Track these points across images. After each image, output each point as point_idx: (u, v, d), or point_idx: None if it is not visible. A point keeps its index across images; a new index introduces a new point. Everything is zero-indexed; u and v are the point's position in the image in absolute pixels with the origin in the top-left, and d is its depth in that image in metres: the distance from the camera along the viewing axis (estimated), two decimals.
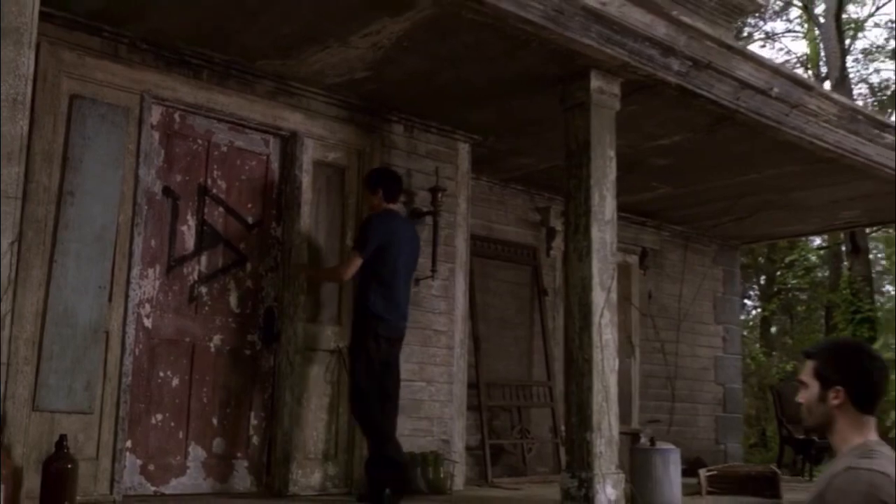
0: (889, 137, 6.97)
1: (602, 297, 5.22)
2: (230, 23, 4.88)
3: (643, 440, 6.11)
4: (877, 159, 7.03)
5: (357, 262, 5.21)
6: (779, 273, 20.41)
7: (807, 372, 2.45)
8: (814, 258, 21.85)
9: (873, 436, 2.36)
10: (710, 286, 10.28)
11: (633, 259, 9.44)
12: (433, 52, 5.19)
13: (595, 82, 5.30)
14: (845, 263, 19.49)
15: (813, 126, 6.42)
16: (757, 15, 21.22)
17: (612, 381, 5.23)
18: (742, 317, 23.17)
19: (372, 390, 5.12)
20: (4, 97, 3.11)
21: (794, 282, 20.48)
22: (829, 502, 2.20)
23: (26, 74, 3.18)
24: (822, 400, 2.37)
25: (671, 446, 5.73)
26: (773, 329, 24.37)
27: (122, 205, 4.97)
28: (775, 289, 21.73)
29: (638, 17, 5.03)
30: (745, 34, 21.54)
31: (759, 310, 23.07)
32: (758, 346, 20.82)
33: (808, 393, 2.42)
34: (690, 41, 5.35)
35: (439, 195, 6.35)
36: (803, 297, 22.98)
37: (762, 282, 22.61)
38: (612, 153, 5.40)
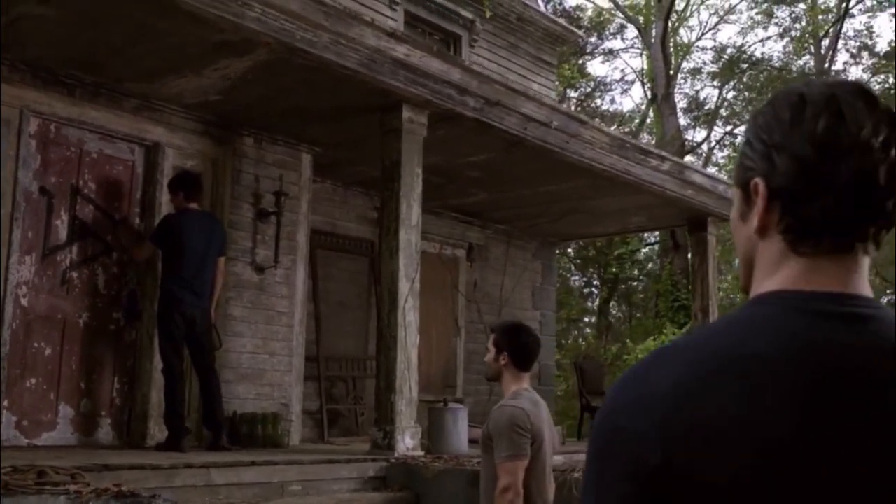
0: (653, 161, 8.40)
1: (406, 287, 6.34)
2: (99, 54, 5.71)
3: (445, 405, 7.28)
4: (645, 178, 8.46)
5: (147, 248, 6.20)
6: (610, 266, 22.25)
7: (490, 342, 3.62)
8: (644, 251, 23.94)
9: (525, 384, 3.54)
10: (530, 277, 11.63)
11: (461, 253, 10.67)
12: (273, 84, 6.17)
13: (406, 113, 6.39)
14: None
15: (590, 151, 7.75)
16: (596, 34, 23.00)
17: (413, 354, 6.35)
18: (588, 304, 25.23)
19: (174, 360, 6.00)
20: None
21: (615, 271, 22.31)
22: (490, 430, 3.37)
23: None
24: (496, 361, 3.54)
25: (460, 406, 6.93)
26: (613, 313, 26.46)
27: (2, 201, 5.72)
28: (609, 278, 23.64)
29: (436, 66, 6.16)
30: (589, 51, 23.30)
31: (600, 295, 25.02)
32: (591, 331, 22.73)
33: (489, 356, 3.58)
34: (482, 84, 6.53)
35: (282, 199, 7.32)
36: (641, 286, 25.13)
37: (600, 273, 24.51)
38: (419, 171, 6.51)
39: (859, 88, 0.92)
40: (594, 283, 25.10)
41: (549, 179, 8.58)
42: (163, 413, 6.08)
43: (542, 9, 12.64)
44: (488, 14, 9.91)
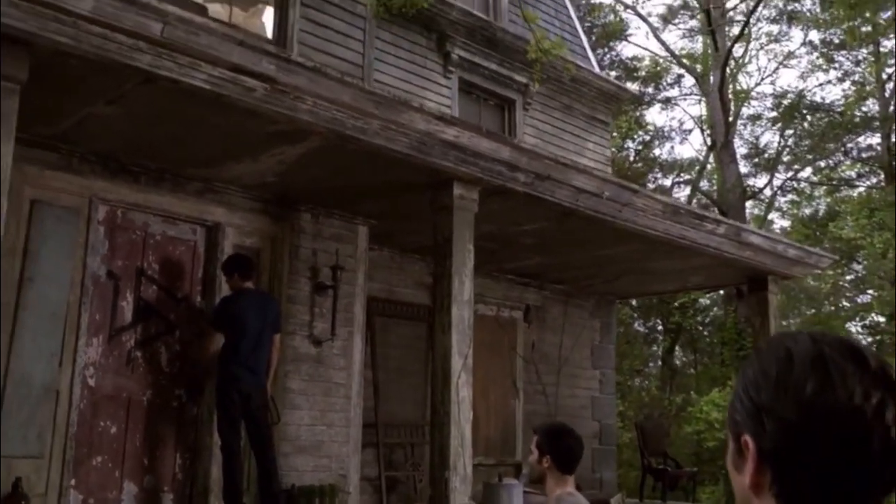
0: (709, 225, 8.25)
1: (459, 363, 6.30)
2: (162, 144, 5.90)
3: (503, 480, 7.19)
4: (701, 241, 8.31)
5: (212, 336, 6.20)
6: (672, 315, 21.83)
7: (533, 444, 3.56)
8: (706, 301, 23.44)
9: (569, 488, 3.47)
10: (589, 336, 11.48)
11: (519, 314, 10.60)
12: (327, 167, 6.28)
13: (457, 191, 6.41)
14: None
15: (643, 218, 7.65)
16: (653, 85, 22.88)
17: (467, 430, 6.29)
18: (652, 349, 24.77)
19: (232, 437, 6.05)
20: None
21: (678, 320, 21.89)
22: None
23: (2, 211, 4.15)
24: (539, 463, 3.48)
25: (515, 482, 6.82)
26: (678, 360, 25.92)
27: (73, 287, 5.92)
28: (671, 327, 23.19)
29: (486, 145, 6.19)
30: (646, 101, 23.17)
31: (662, 344, 24.56)
32: (654, 381, 22.26)
33: (532, 458, 3.53)
34: (532, 160, 6.53)
35: (339, 273, 7.40)
36: (706, 333, 24.60)
37: (664, 322, 24.09)
38: (470, 247, 6.51)
39: (849, 347, 0.88)
40: (658, 328, 24.68)
41: (603, 244, 8.50)
42: (222, 489, 6.12)
43: (596, 69, 12.64)
44: (537, 86, 9.95)
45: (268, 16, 7.73)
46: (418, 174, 6.32)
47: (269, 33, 7.70)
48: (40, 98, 4.87)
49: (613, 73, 23.06)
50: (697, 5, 21.70)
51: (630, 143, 23.09)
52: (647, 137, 23.78)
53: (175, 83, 4.70)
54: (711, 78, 21.70)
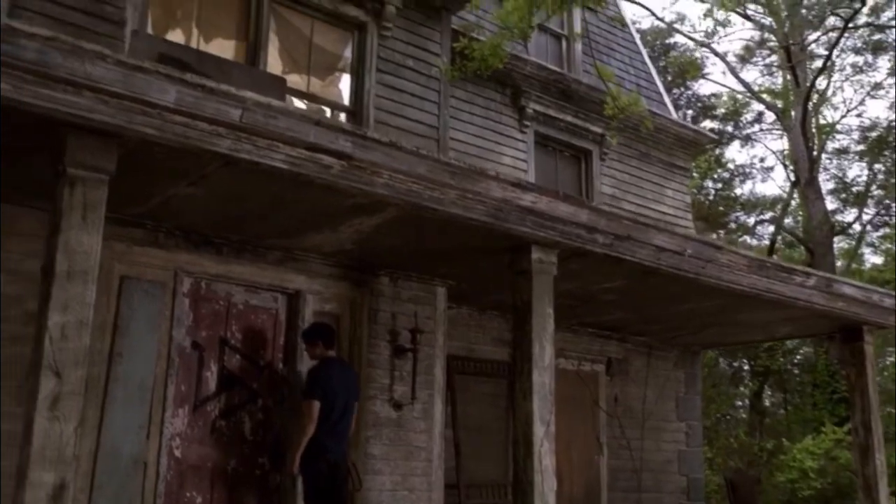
0: (798, 278, 7.92)
1: (542, 430, 6.14)
2: (244, 219, 5.99)
3: None
4: (790, 294, 7.96)
5: (315, 407, 6.15)
6: (760, 357, 21.06)
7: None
8: (794, 341, 22.54)
9: None
10: (673, 388, 11.13)
11: (600, 368, 10.36)
12: (404, 235, 6.27)
13: (535, 254, 6.30)
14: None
15: (728, 274, 7.39)
16: (733, 123, 22.39)
17: (551, 499, 6.10)
18: (737, 396, 23.92)
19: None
20: (73, 319, 4.16)
21: (766, 363, 21.12)
22: None
23: (90, 303, 4.23)
24: None
25: None
26: (767, 402, 24.96)
27: (159, 359, 6.02)
28: (759, 369, 22.38)
29: (563, 209, 6.08)
30: (725, 140, 22.67)
31: (750, 387, 23.71)
32: (742, 426, 21.42)
33: None
34: (610, 222, 6.38)
35: (418, 336, 7.35)
36: (796, 373, 23.66)
37: (751, 364, 23.29)
38: (550, 311, 6.37)
39: None
40: (744, 367, 23.84)
41: (686, 300, 8.24)
42: None
43: (673, 114, 12.42)
44: (614, 142, 9.81)
45: (344, 83, 7.84)
46: (496, 239, 6.24)
47: (346, 99, 7.78)
48: (127, 182, 4.98)
49: (690, 112, 22.69)
50: (776, 41, 21.22)
51: (709, 183, 22.59)
52: (727, 176, 23.21)
53: (254, 165, 4.76)
54: (793, 113, 21.12)
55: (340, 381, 6.30)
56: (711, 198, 22.38)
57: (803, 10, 19.38)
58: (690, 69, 17.14)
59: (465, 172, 5.57)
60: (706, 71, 22.36)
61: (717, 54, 22.38)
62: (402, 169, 5.25)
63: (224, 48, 7.11)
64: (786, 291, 7.94)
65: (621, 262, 6.77)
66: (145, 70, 4.22)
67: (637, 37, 12.89)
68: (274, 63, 7.31)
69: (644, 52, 12.68)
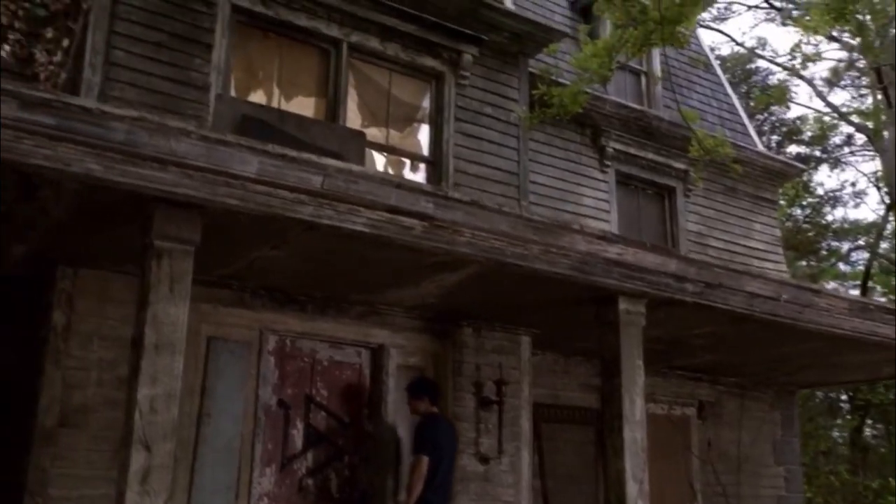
0: None
1: (635, 490, 5.88)
2: (327, 277, 5.97)
3: None
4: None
5: (425, 463, 6.03)
6: (860, 391, 20.04)
7: None
8: None
9: None
10: (769, 430, 10.62)
11: (691, 411, 9.96)
12: (487, 289, 6.15)
13: (622, 305, 6.09)
14: None
15: (827, 318, 7.00)
16: (820, 148, 21.61)
17: None
18: (835, 427, 22.78)
19: None
20: (162, 391, 4.17)
21: (867, 396, 20.08)
22: None
23: (178, 375, 4.24)
24: None
25: None
26: (869, 437, 23.73)
27: (246, 419, 6.02)
28: (859, 403, 21.30)
29: (651, 260, 5.86)
30: (812, 165, 21.88)
31: (850, 423, 22.60)
32: (840, 464, 20.35)
33: None
34: (700, 270, 6.13)
35: (503, 387, 7.19)
36: None
37: (850, 398, 22.21)
38: (640, 363, 6.14)
39: None
40: (841, 399, 22.74)
41: (782, 344, 7.85)
42: None
43: (759, 145, 12.01)
44: (700, 184, 9.52)
45: (423, 133, 7.82)
46: (581, 291, 6.06)
47: (425, 150, 7.76)
48: (212, 248, 5.01)
49: (774, 138, 22.02)
50: (864, 62, 20.46)
51: (797, 210, 21.81)
52: (817, 202, 22.37)
53: (336, 229, 4.72)
54: (885, 134, 20.24)
55: (447, 438, 6.24)
56: (801, 225, 21.58)
57: (893, 30, 18.62)
58: (777, 96, 16.61)
59: (549, 227, 5.43)
60: (791, 94, 21.70)
61: (802, 78, 21.71)
62: (484, 227, 5.14)
63: (304, 106, 7.18)
64: (891, 333, 7.49)
65: (712, 310, 6.49)
66: (228, 143, 4.24)
67: (718, 67, 12.56)
68: (353, 117, 7.35)
69: (726, 82, 12.33)
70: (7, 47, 6.07)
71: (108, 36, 6.11)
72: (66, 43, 6.13)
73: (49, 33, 6.12)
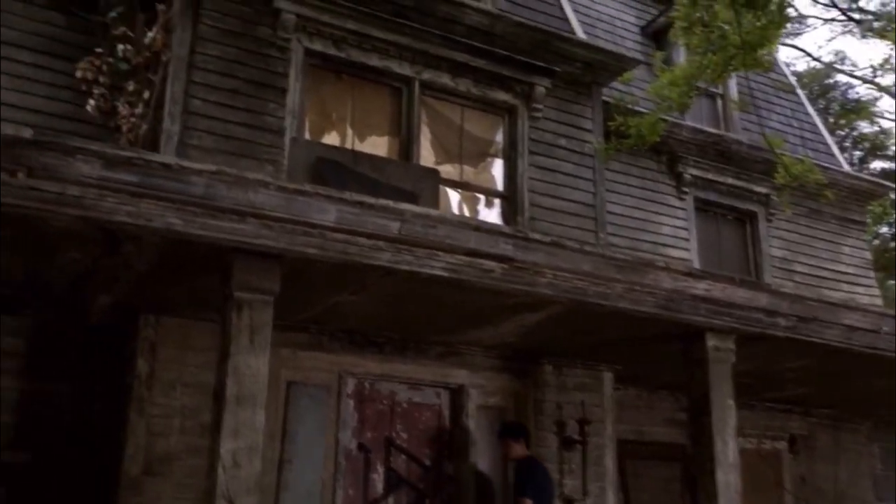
0: None
1: None
2: (405, 319, 5.88)
3: None
4: None
5: None
6: None
7: None
8: None
9: None
10: (868, 464, 10.07)
11: (782, 445, 9.51)
12: (568, 328, 5.97)
13: (710, 342, 5.82)
14: None
15: None
16: None
17: None
18: None
19: None
20: (244, 444, 4.11)
21: None
22: None
23: (259, 428, 4.18)
24: None
25: None
26: None
27: (326, 464, 5.95)
28: None
29: (741, 294, 5.60)
30: None
31: None
32: None
33: None
34: (793, 304, 5.83)
35: (586, 427, 6.96)
36: None
37: None
38: (731, 402, 5.85)
39: None
40: None
41: (882, 375, 7.42)
42: None
43: (845, 165, 11.54)
44: (788, 212, 9.14)
45: (497, 168, 7.70)
46: (666, 328, 5.82)
47: (500, 185, 7.63)
48: (290, 295, 4.98)
49: (857, 153, 21.23)
50: None
51: (884, 228, 20.91)
52: None
53: (414, 274, 4.63)
54: None
55: (546, 481, 6.11)
56: (889, 244, 20.69)
57: None
58: (860, 113, 15.96)
59: (633, 265, 5.24)
60: (874, 108, 20.89)
61: (883, 90, 20.87)
62: (565, 267, 4.99)
63: (378, 145, 7.15)
64: None
65: (806, 345, 6.17)
66: (305, 192, 4.20)
67: (797, 86, 12.14)
68: (427, 155, 7.28)
69: (807, 101, 11.90)
70: (92, 101, 6.22)
71: (186, 86, 6.18)
72: (146, 94, 6.25)
73: (131, 86, 6.26)
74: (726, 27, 6.31)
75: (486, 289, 4.92)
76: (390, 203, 4.42)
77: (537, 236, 4.95)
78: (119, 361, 5.75)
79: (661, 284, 5.33)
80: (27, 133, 3.57)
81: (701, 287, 5.46)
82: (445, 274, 4.68)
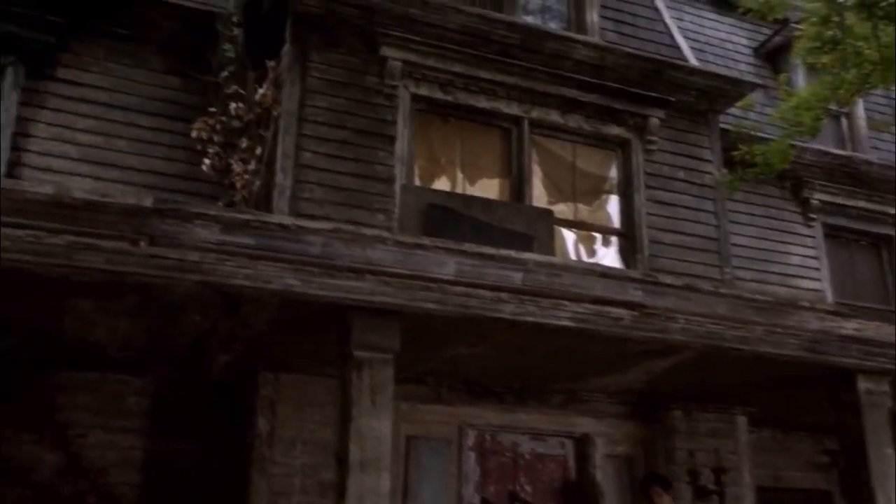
0: None
1: None
2: (526, 369, 5.61)
3: None
4: None
5: None
6: None
7: None
8: None
9: None
10: None
11: None
12: (701, 373, 5.55)
13: (863, 385, 5.29)
14: None
15: None
16: None
17: None
18: None
19: None
20: None
21: None
22: None
23: (384, 493, 3.97)
24: None
25: None
26: None
27: None
28: None
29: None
30: None
31: None
32: None
33: None
34: None
35: (722, 476, 6.48)
36: None
37: None
38: (890, 451, 5.28)
39: None
40: None
41: None
42: None
43: None
44: None
45: (612, 205, 7.38)
46: (811, 370, 5.33)
47: (616, 222, 7.30)
48: (406, 350, 4.79)
49: None
50: None
51: None
52: None
53: (539, 326, 4.38)
54: None
55: None
56: None
57: None
58: None
59: (773, 306, 4.83)
60: None
61: None
62: (699, 311, 4.63)
63: (489, 187, 6.96)
64: None
65: None
66: (424, 246, 4.02)
67: None
68: (539, 195, 7.04)
69: None
70: (207, 161, 6.28)
71: (296, 139, 6.16)
72: (258, 151, 6.26)
73: (244, 143, 6.29)
74: (858, 43, 5.84)
75: (615, 337, 4.61)
76: (512, 253, 4.19)
77: (669, 280, 4.62)
78: (239, 419, 5.69)
79: (805, 325, 4.89)
80: (148, 201, 3.52)
81: (850, 326, 4.98)
82: (572, 324, 4.40)
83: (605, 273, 4.42)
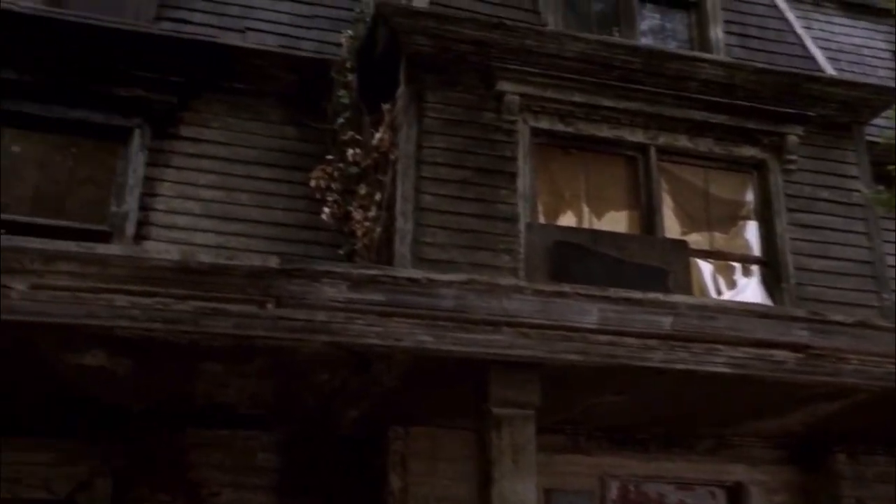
0: None
1: None
2: (673, 416, 5.17)
3: None
4: None
5: None
6: None
7: None
8: None
9: None
10: None
11: None
12: (873, 416, 4.98)
13: None
14: None
15: None
16: None
17: None
18: None
19: None
20: None
21: None
22: None
23: None
24: None
25: None
26: None
27: None
28: None
29: None
30: None
31: None
32: None
33: None
34: None
35: None
36: None
37: None
38: None
39: None
40: None
41: None
42: None
43: None
44: None
45: (750, 231, 6.85)
46: None
47: (756, 250, 6.77)
48: (542, 401, 4.48)
49: None
50: None
51: None
52: None
53: (691, 373, 3.97)
54: None
55: None
56: None
57: None
58: None
59: None
60: None
61: None
62: (875, 350, 4.12)
63: (617, 220, 6.58)
64: None
65: None
66: (564, 294, 3.71)
67: None
68: (671, 225, 6.60)
69: None
70: (327, 209, 6.18)
71: (415, 182, 5.98)
72: (378, 196, 6.12)
73: (362, 189, 6.16)
74: None
75: (777, 382, 4.16)
76: (660, 296, 3.83)
77: (839, 318, 4.12)
78: (368, 474, 5.47)
79: None
80: (273, 262, 3.36)
81: None
82: (728, 370, 3.99)
83: (765, 313, 3.99)
